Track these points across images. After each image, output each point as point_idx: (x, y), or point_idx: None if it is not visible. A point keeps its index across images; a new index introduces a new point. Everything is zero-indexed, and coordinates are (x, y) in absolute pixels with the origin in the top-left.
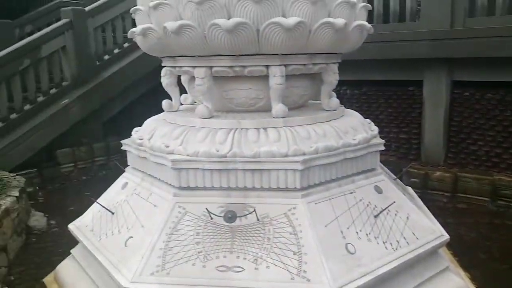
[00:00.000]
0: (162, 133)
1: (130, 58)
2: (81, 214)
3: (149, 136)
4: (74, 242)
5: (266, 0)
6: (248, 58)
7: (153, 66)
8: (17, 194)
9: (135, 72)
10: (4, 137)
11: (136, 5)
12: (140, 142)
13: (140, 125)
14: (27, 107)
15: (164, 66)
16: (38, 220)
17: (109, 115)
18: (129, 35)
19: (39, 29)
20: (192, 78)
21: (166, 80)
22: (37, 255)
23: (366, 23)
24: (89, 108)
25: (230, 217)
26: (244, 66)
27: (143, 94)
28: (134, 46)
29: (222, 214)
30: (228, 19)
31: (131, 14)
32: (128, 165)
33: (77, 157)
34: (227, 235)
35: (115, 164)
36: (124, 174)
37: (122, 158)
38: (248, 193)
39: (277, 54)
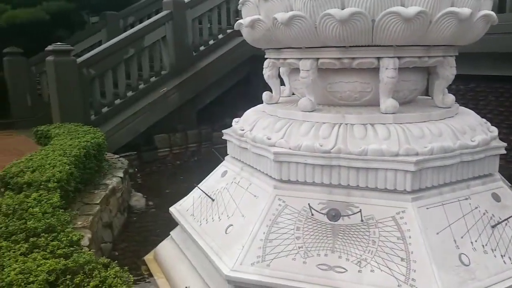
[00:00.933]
0: (263, 125)
1: (224, 49)
2: (176, 197)
3: (251, 127)
4: (171, 223)
5: None
6: (358, 49)
7: (244, 57)
8: (121, 175)
9: (228, 63)
10: (109, 121)
11: None
12: (242, 132)
13: (231, 114)
14: (129, 93)
15: (267, 58)
16: (138, 200)
17: (203, 104)
18: (235, 27)
19: (141, 20)
20: (293, 70)
21: (268, 71)
22: (137, 233)
23: (492, 13)
24: (185, 96)
25: (334, 215)
26: (353, 58)
27: (233, 85)
28: (228, 38)
29: (324, 211)
30: (342, 9)
31: (239, 5)
32: (228, 154)
33: (172, 143)
34: (328, 233)
35: (206, 151)
36: (223, 162)
37: (212, 146)
38: (351, 192)
39: (392, 46)
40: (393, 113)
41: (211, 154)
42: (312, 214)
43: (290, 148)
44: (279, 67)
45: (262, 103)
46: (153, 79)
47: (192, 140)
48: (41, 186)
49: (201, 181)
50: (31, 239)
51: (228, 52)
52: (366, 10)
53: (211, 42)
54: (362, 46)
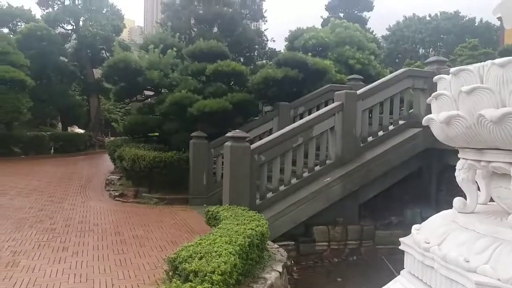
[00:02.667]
0: (458, 241)
1: (394, 141)
2: None
3: (439, 241)
4: None
5: None
6: None
7: (416, 150)
8: (280, 269)
9: (397, 156)
10: (273, 207)
11: (410, 88)
12: (426, 246)
13: (397, 212)
14: (294, 180)
15: (462, 158)
16: None
17: (366, 197)
18: (424, 122)
19: (310, 110)
20: (497, 175)
21: (463, 174)
22: None
23: None
24: (348, 188)
25: None
26: None
27: (401, 179)
28: (399, 129)
29: None
30: None
31: (430, 99)
32: (403, 268)
33: (331, 237)
34: None
35: (367, 250)
36: (398, 278)
37: (374, 245)
38: None
39: None
40: None
41: (373, 256)
42: None
43: (499, 280)
44: (477, 170)
45: (433, 203)
46: (317, 168)
47: (352, 236)
48: (205, 277)
49: None
50: None
51: (399, 145)
52: None
53: (381, 133)
54: None
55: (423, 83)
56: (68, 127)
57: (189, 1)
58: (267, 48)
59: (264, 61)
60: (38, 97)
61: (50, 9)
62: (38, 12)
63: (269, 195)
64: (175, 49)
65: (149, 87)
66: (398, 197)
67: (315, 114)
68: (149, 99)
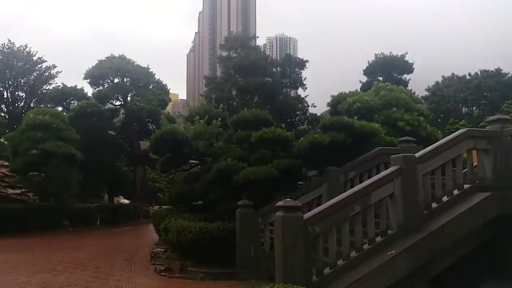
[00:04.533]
0: None
1: (461, 207)
2: None
3: None
4: None
5: None
6: None
7: (487, 217)
8: None
9: (466, 224)
10: (332, 284)
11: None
12: None
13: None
14: (353, 254)
15: None
16: None
17: (435, 271)
18: None
19: (361, 175)
20: None
21: None
22: None
23: None
24: (415, 262)
25: None
26: None
27: (472, 250)
28: (465, 194)
29: None
30: None
31: None
32: None
33: None
34: None
35: None
36: None
37: None
38: None
39: None
40: None
41: None
42: None
43: None
44: None
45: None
46: (378, 238)
47: None
48: None
49: None
50: None
51: (467, 211)
52: None
53: (445, 198)
54: None
55: (486, 144)
56: (114, 198)
57: (230, 74)
58: (307, 113)
59: (305, 126)
60: (87, 170)
61: (101, 87)
62: (89, 90)
63: (327, 270)
64: (219, 119)
65: (194, 157)
66: (471, 270)
67: (371, 179)
68: (194, 168)
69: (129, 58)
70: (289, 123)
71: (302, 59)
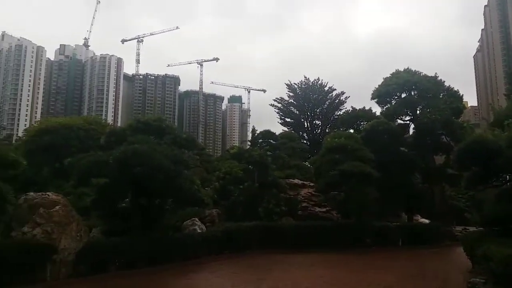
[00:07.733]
0: None
1: None
2: None
3: None
4: None
5: None
6: None
7: None
8: None
9: None
10: None
11: None
12: None
13: None
14: None
15: None
16: None
17: None
18: None
19: None
20: None
21: None
22: None
23: None
24: None
25: None
26: None
27: None
28: None
29: None
30: None
31: None
32: None
33: None
34: None
35: None
36: None
37: None
38: None
39: None
40: None
41: None
42: None
43: None
44: None
45: None
46: None
47: None
48: None
49: None
50: None
51: None
52: None
53: None
54: None
55: None
56: (413, 217)
57: None
58: None
59: None
60: (381, 188)
61: (388, 105)
62: (377, 109)
63: None
64: None
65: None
66: None
67: None
68: (508, 184)
69: (414, 70)
70: None
71: None
